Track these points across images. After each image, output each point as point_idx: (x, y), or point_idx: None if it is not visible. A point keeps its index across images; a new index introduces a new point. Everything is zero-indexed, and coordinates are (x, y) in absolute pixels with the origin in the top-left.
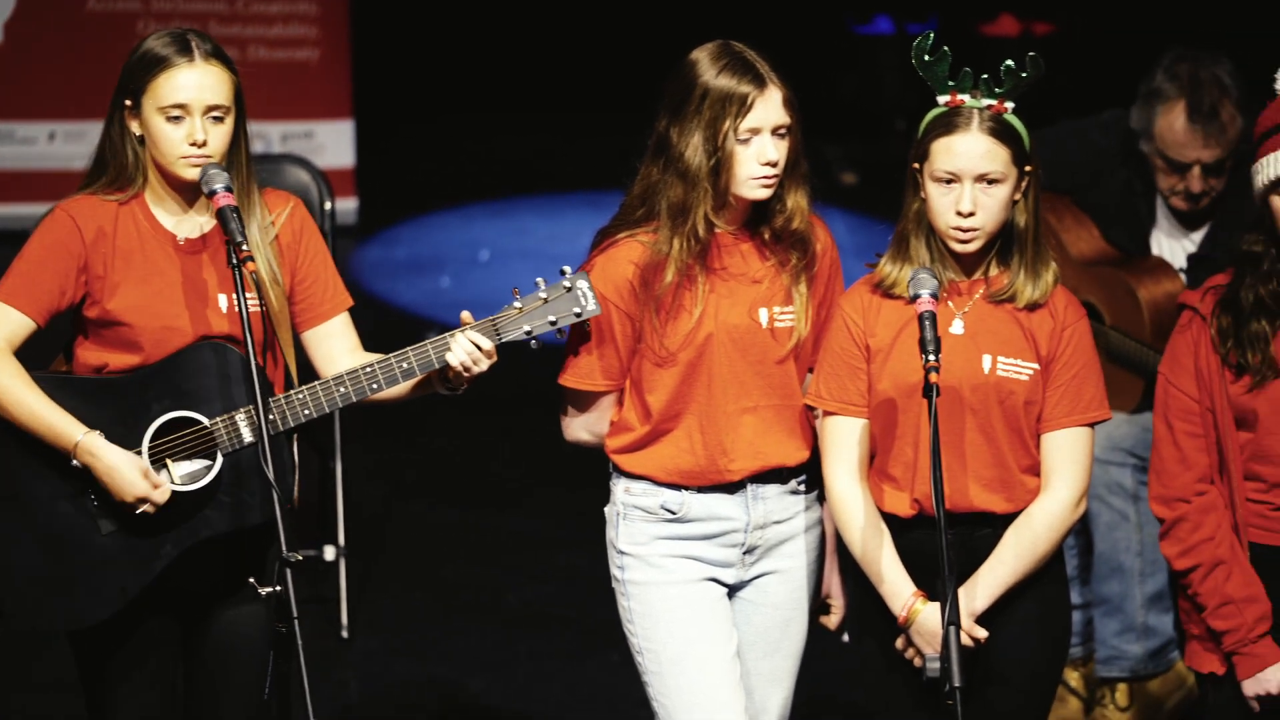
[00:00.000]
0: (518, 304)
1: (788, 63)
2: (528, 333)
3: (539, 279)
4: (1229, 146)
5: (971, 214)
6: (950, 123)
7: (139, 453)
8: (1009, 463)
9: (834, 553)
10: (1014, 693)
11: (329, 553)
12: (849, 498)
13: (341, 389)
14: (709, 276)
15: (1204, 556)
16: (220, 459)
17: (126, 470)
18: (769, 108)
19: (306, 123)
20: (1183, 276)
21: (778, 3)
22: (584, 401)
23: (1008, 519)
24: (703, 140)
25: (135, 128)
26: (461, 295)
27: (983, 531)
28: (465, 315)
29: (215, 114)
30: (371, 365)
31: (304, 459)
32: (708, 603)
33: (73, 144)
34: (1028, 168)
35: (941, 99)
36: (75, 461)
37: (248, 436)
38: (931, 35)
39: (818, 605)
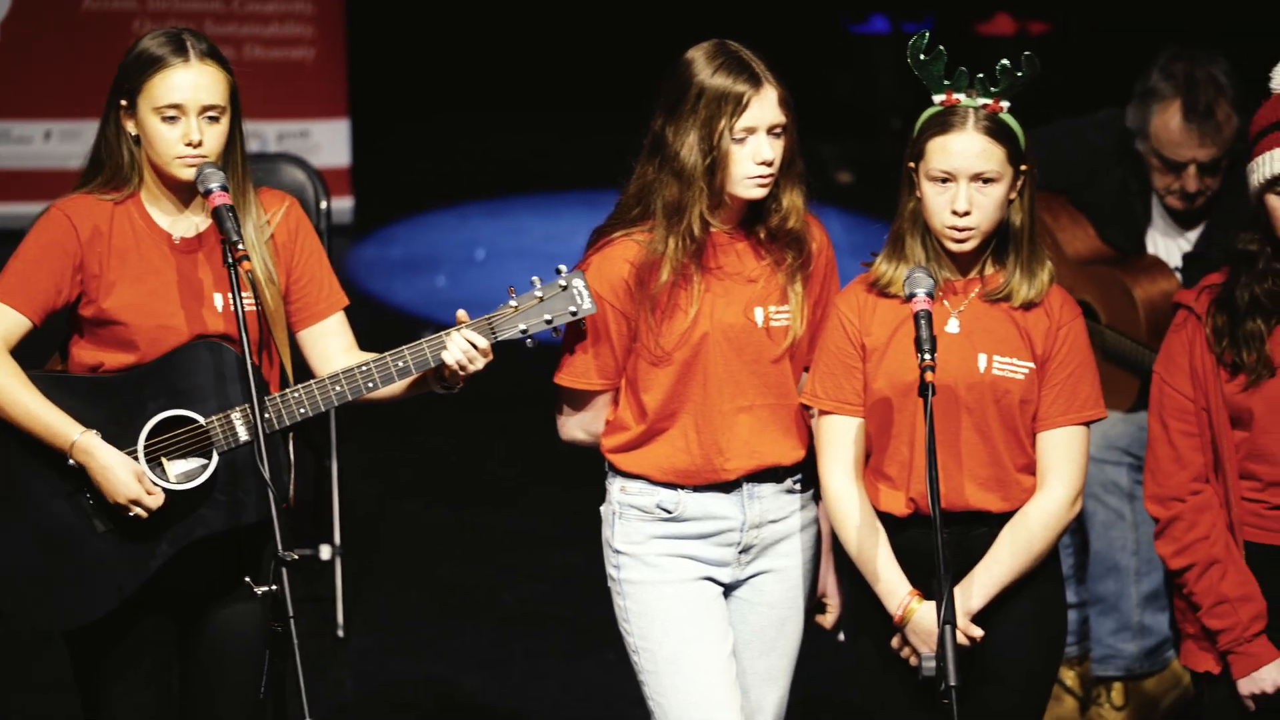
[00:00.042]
0: (513, 303)
1: (783, 62)
2: (523, 331)
3: (535, 278)
4: (1224, 145)
5: (967, 213)
6: (946, 122)
7: (134, 451)
8: (1005, 462)
9: (830, 552)
10: (1010, 692)
11: (324, 552)
12: (845, 497)
13: (337, 388)
14: (704, 275)
15: (1199, 555)
16: (216, 458)
17: (120, 472)
18: (764, 107)
19: (302, 122)
20: (1178, 275)
21: (773, 2)
22: (579, 400)
23: (1003, 518)
24: (698, 139)
25: (131, 127)
26: (457, 294)
27: (978, 530)
28: (461, 314)
29: (211, 114)
30: (367, 364)
31: (299, 458)
32: (703, 602)
33: (68, 143)
34: (1023, 167)
35: (937, 98)
36: (72, 461)
37: (243, 435)
38: (927, 34)
39: (813, 604)
